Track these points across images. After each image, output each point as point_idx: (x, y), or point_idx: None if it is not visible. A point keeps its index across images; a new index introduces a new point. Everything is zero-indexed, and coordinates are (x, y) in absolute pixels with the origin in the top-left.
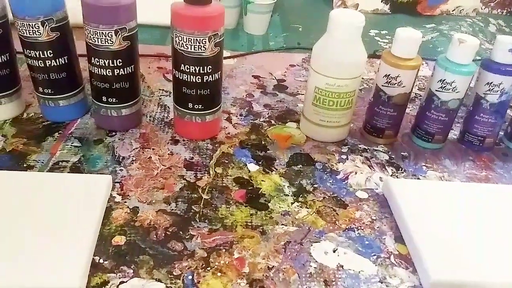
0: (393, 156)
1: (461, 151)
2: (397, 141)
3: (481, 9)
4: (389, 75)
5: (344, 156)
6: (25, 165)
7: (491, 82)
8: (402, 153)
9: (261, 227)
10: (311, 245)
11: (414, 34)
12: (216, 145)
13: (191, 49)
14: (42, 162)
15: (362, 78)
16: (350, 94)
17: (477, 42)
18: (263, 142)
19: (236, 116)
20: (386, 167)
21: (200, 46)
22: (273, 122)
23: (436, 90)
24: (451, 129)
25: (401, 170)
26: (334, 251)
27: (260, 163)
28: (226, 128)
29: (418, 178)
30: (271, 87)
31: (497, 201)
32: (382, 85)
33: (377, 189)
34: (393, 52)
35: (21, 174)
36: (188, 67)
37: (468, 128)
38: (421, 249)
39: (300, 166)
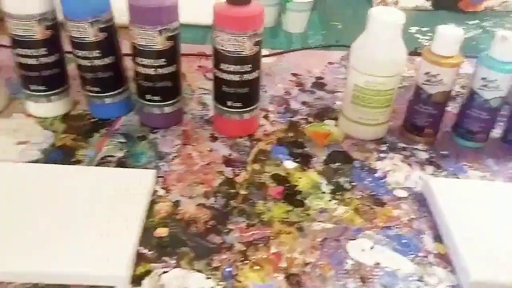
0: (433, 155)
1: (504, 150)
2: (437, 140)
3: None
4: (430, 73)
5: (382, 154)
6: (73, 160)
7: None
8: (442, 152)
9: (298, 224)
10: (348, 242)
11: (456, 32)
12: (254, 142)
13: (231, 48)
14: (90, 157)
15: (402, 75)
16: (389, 92)
17: None
18: (300, 140)
19: (274, 114)
20: (426, 166)
21: (240, 46)
22: (310, 119)
23: (478, 88)
24: (494, 127)
25: (441, 169)
26: (371, 249)
27: (297, 160)
28: (264, 125)
29: (459, 178)
30: (309, 85)
31: None
32: (422, 83)
33: (416, 188)
34: (433, 50)
35: (71, 168)
36: (228, 66)
37: (511, 126)
38: (461, 249)
39: (338, 164)
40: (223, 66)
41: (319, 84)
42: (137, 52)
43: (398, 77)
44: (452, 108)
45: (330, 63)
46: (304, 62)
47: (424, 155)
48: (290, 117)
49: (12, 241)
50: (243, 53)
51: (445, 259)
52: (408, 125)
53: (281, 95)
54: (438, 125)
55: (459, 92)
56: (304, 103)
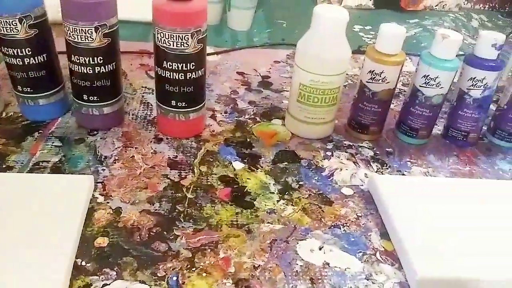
0: (378, 152)
1: (445, 146)
2: (381, 137)
3: (464, 4)
4: (374, 71)
5: (329, 153)
6: (4, 166)
7: (475, 77)
8: (386, 149)
9: (246, 226)
10: (297, 243)
11: (398, 30)
12: (201, 143)
13: (173, 45)
14: (22, 163)
15: (347, 74)
16: (334, 91)
17: (460, 37)
18: (248, 140)
19: (221, 114)
20: (371, 163)
21: (182, 43)
22: (258, 119)
23: (420, 86)
24: (435, 124)
25: (386, 166)
26: (320, 249)
27: (246, 161)
28: (211, 125)
29: (403, 174)
30: (255, 84)
31: (481, 196)
32: (367, 81)
33: (362, 185)
34: (377, 48)
35: (0, 176)
36: (171, 64)
37: (452, 123)
38: (406, 246)
39: (286, 163)
40: (166, 64)
41: (265, 83)
42: (72, 49)
43: (343, 75)
44: (396, 105)
45: (276, 61)
46: (250, 60)
47: (369, 153)
48: (238, 117)
49: None
50: (186, 50)
51: (392, 256)
52: (354, 123)
53: (227, 94)
54: (382, 122)
55: (402, 89)
56: (251, 102)
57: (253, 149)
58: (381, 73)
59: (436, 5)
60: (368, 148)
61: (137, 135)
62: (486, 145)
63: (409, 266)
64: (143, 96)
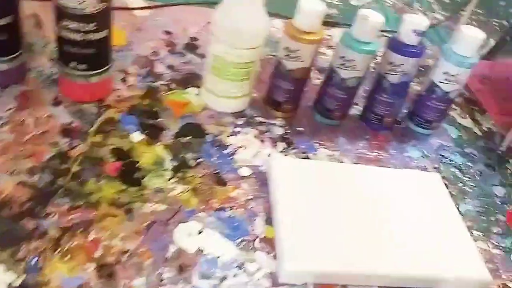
0: (289, 131)
1: (360, 129)
2: (297, 116)
3: None
4: (289, 48)
5: (238, 129)
6: None
7: (393, 62)
8: (298, 128)
9: (128, 205)
10: (177, 227)
11: (317, 6)
12: (102, 109)
13: (72, 4)
14: None
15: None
16: (248, 65)
17: (381, 19)
18: (155, 109)
19: (134, 77)
20: (278, 143)
21: (82, 1)
22: (173, 86)
23: (336, 67)
24: (356, 104)
25: (292, 146)
26: (199, 233)
27: (146, 132)
28: (119, 89)
29: (307, 156)
30: (180, 46)
31: (376, 186)
32: (282, 58)
33: (262, 166)
34: (294, 24)
35: None
36: (70, 23)
37: (369, 106)
38: (283, 235)
39: (190, 137)
40: (64, 23)
41: (191, 45)
42: None
43: (259, 49)
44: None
45: (209, 22)
46: (183, 18)
47: (279, 131)
48: (151, 81)
49: None
50: (86, 10)
51: (271, 244)
52: (269, 100)
53: (147, 56)
54: (297, 101)
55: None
56: (170, 66)
57: (158, 119)
58: (296, 50)
59: None
60: (280, 126)
61: (37, 96)
62: (402, 130)
63: (281, 256)
64: (55, 51)
